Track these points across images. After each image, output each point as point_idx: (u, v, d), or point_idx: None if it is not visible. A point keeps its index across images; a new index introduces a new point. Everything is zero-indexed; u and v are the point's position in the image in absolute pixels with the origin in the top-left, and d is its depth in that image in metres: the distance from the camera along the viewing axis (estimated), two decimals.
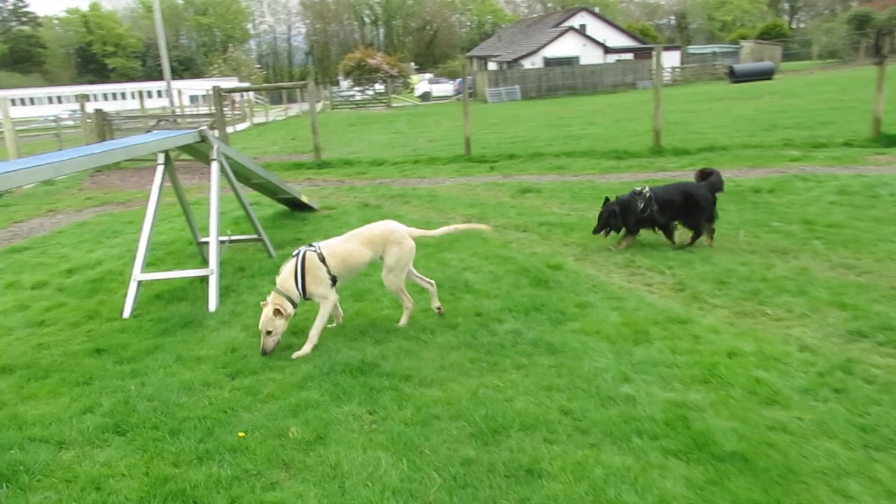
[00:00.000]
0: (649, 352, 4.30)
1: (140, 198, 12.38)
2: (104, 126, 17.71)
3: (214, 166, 6.33)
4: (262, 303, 4.57)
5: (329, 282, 4.65)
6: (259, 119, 37.12)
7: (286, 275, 4.62)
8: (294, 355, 4.52)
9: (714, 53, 52.38)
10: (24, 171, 4.12)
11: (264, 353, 4.47)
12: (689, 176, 10.46)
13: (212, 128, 17.32)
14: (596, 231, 6.73)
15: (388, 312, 5.24)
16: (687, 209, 6.57)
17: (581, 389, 3.85)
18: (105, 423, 3.70)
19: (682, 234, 6.80)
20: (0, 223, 10.97)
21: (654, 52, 16.21)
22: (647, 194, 6.57)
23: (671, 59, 47.25)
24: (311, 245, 4.76)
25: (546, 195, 9.89)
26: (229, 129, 28.97)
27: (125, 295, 5.77)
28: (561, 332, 4.67)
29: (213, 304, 5.56)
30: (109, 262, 7.48)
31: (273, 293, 4.58)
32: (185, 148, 6.62)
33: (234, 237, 7.07)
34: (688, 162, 11.77)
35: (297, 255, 4.66)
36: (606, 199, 6.73)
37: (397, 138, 20.55)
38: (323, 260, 4.64)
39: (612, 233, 6.75)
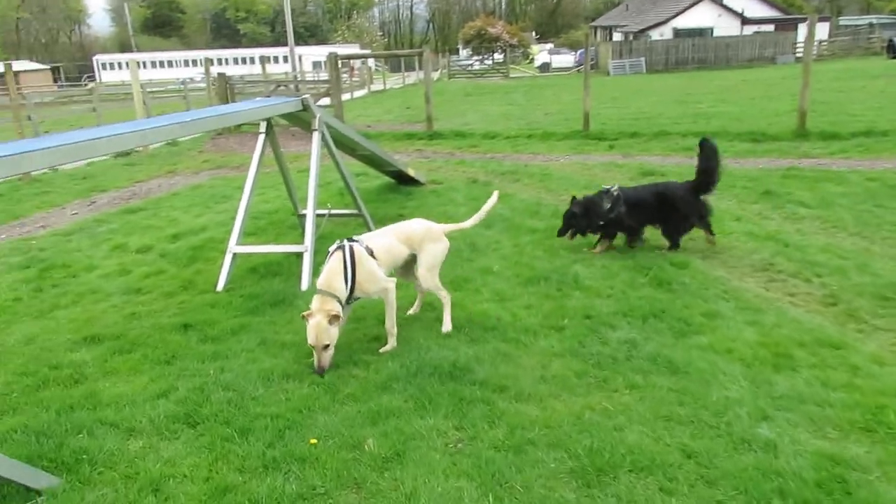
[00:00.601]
0: (794, 383, 3.58)
1: (242, 163, 12.51)
2: (227, 90, 18.15)
3: (315, 136, 6.04)
4: (304, 313, 3.90)
5: (383, 272, 4.22)
6: (377, 87, 37.35)
7: (331, 274, 4.01)
8: (381, 350, 4.15)
9: (870, 25, 47.41)
10: (107, 139, 3.92)
11: (321, 371, 3.83)
12: (839, 165, 9.25)
13: (327, 94, 17.36)
14: (560, 233, 6.03)
15: (487, 307, 4.76)
16: (662, 214, 5.88)
17: (708, 425, 3.22)
18: (177, 413, 3.47)
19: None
20: (123, 182, 11.39)
21: (804, 23, 14.57)
22: (615, 193, 5.83)
23: (818, 32, 43.20)
24: (351, 239, 4.30)
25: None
26: (346, 96, 29.28)
27: (221, 266, 5.63)
28: (684, 347, 4.02)
29: (305, 283, 5.29)
30: (213, 228, 7.44)
31: (318, 297, 3.92)
32: (289, 117, 6.37)
33: (333, 211, 6.79)
34: (838, 148, 10.43)
35: (342, 249, 4.12)
36: (573, 199, 5.99)
37: (512, 110, 19.86)
38: (371, 254, 4.22)
39: (595, 238, 6.13)
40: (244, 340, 4.36)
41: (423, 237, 4.48)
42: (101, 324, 4.79)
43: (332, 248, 4.17)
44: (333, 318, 3.84)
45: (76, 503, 2.78)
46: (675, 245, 5.90)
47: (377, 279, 4.12)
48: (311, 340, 3.82)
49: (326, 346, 3.83)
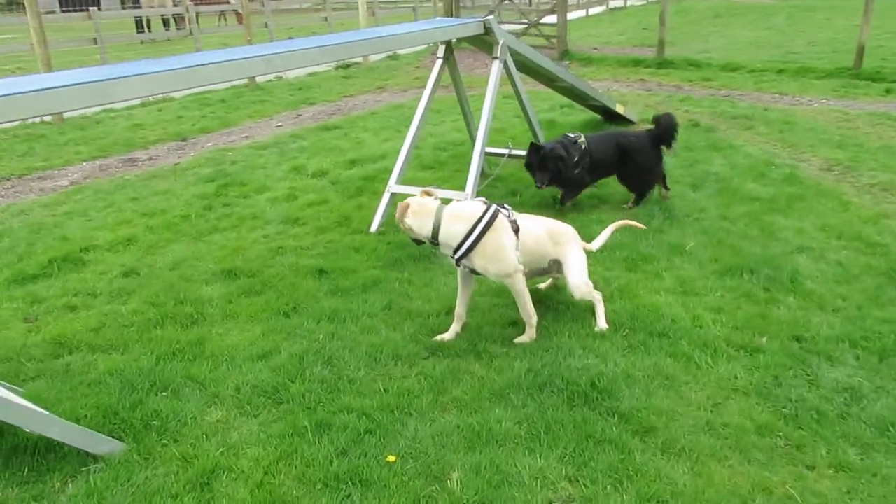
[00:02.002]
0: None
1: (465, 83, 11.98)
2: (452, 3, 17.62)
3: (495, 66, 5.23)
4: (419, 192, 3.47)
5: (515, 255, 3.35)
6: (617, 3, 34.64)
7: (462, 211, 3.34)
8: (516, 340, 3.43)
9: None
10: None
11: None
12: None
13: (552, 11, 16.14)
14: (539, 185, 5.12)
15: (663, 300, 3.78)
16: (625, 168, 5.33)
17: None
18: (267, 384, 3.08)
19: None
20: (333, 95, 11.50)
21: None
22: (583, 145, 5.14)
23: None
24: (502, 206, 3.48)
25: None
26: (579, 14, 27.45)
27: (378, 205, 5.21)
28: None
29: None
30: (392, 156, 7.01)
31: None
32: (473, 40, 5.61)
33: (514, 151, 6.00)
34: None
35: (487, 207, 3.36)
36: (532, 145, 5.12)
37: (768, 36, 17.03)
38: (516, 232, 3.38)
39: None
40: (370, 301, 3.88)
41: (571, 240, 3.65)
42: (244, 256, 4.61)
43: (479, 199, 3.51)
44: (404, 209, 3.34)
45: (121, 483, 2.50)
46: (641, 198, 5.34)
47: (505, 259, 3.31)
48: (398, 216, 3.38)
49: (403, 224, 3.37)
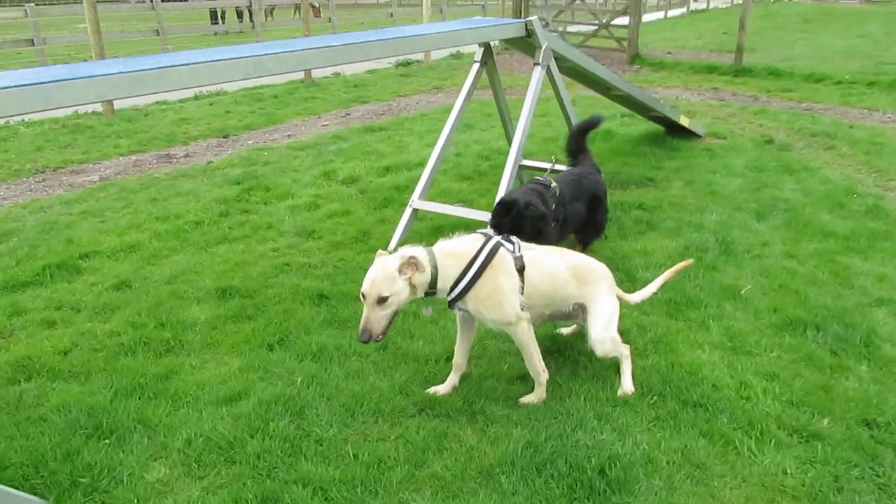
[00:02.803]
0: None
1: (521, 86, 11.43)
2: (521, 2, 17.04)
3: (537, 73, 4.70)
4: (378, 252, 2.74)
5: (518, 300, 2.80)
6: (699, 4, 33.17)
7: (456, 248, 2.79)
8: (522, 400, 2.92)
9: None
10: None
11: (366, 338, 2.55)
12: None
13: (624, 12, 15.38)
14: None
15: (704, 358, 3.18)
16: (590, 217, 4.30)
17: None
18: (222, 438, 2.67)
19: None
20: (387, 94, 11.13)
21: None
22: (556, 192, 3.97)
23: None
24: (507, 238, 2.93)
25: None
26: (657, 16, 26.35)
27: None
28: None
29: None
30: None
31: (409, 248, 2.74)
32: (515, 42, 5.08)
33: (557, 166, 5.44)
34: None
35: (485, 242, 2.82)
36: (500, 203, 3.72)
37: (860, 45, 15.75)
38: (521, 270, 2.83)
39: None
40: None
41: (601, 281, 3.05)
42: (245, 273, 4.24)
43: (476, 233, 2.96)
44: (407, 265, 2.61)
45: None
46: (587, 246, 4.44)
47: (502, 304, 2.76)
48: (363, 287, 2.60)
49: (383, 301, 2.56)
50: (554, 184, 4.04)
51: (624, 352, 3.03)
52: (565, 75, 5.51)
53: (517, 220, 3.60)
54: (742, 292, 3.84)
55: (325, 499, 2.35)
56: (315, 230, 4.98)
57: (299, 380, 3.06)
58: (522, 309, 2.81)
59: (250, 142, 8.06)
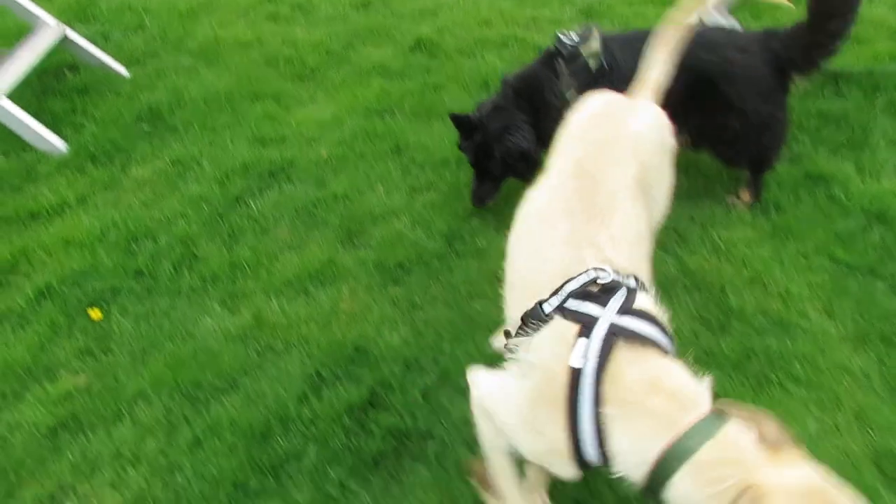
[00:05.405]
0: None
1: None
2: None
3: None
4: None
5: None
6: None
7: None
8: None
9: None
10: None
11: None
12: None
13: None
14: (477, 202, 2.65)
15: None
16: (709, 113, 2.42)
17: None
18: None
19: None
20: None
21: None
22: (592, 60, 2.29)
23: None
24: (634, 288, 1.39)
25: None
26: None
27: None
28: None
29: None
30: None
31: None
32: None
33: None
34: None
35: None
36: (456, 119, 2.46)
37: None
38: None
39: None
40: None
41: None
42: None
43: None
44: None
45: None
46: (759, 187, 2.77)
47: None
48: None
49: None
50: (594, 45, 2.28)
51: None
52: None
53: (482, 148, 2.38)
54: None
55: None
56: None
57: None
58: None
59: None
